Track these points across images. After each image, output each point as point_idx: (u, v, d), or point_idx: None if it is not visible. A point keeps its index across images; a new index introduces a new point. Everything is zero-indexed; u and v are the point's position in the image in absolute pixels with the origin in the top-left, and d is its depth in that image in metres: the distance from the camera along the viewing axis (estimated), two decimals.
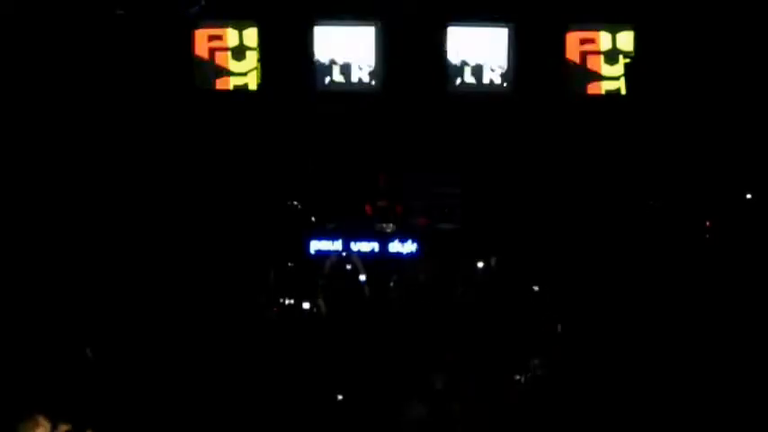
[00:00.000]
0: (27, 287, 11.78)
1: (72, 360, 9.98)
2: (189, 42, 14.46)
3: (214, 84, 14.52)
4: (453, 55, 14.47)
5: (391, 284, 14.20)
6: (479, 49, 14.43)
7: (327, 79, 14.59)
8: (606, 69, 14.32)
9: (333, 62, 14.57)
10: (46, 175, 13.74)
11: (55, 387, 8.83)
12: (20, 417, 6.46)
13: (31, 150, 13.75)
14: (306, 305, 13.66)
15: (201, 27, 14.45)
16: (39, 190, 13.61)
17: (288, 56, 14.45)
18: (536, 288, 13.48)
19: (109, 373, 10.01)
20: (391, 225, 14.88)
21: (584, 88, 14.37)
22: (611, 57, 14.26)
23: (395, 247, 14.77)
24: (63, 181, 13.81)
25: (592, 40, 14.21)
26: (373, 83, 14.57)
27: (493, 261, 14.54)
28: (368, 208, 15.21)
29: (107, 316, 11.50)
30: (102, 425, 7.07)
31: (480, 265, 15.19)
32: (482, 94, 14.48)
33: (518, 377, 10.89)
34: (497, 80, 14.35)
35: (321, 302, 13.57)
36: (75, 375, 9.57)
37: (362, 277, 13.97)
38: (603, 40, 14.23)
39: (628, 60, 14.16)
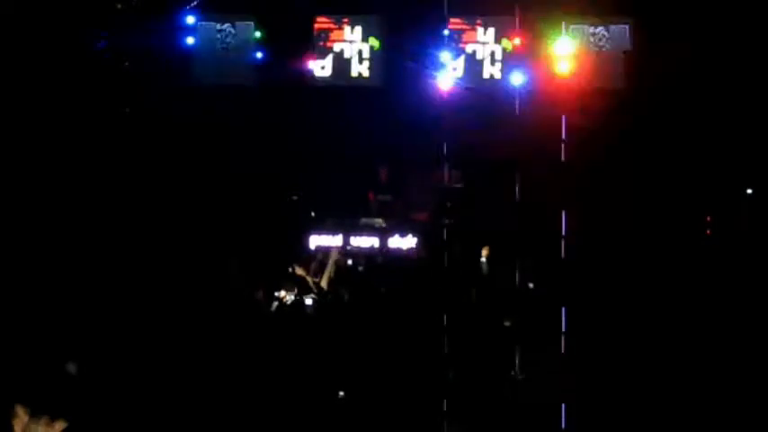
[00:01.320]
0: (18, 284, 11.84)
1: (59, 356, 10.01)
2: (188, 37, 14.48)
3: (213, 79, 14.53)
4: (454, 49, 14.46)
5: (389, 279, 14.24)
6: (479, 44, 14.43)
7: (327, 74, 14.58)
8: (605, 64, 14.30)
9: (333, 56, 14.57)
10: (45, 171, 13.81)
11: (36, 380, 8.86)
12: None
13: (31, 147, 13.81)
14: (308, 301, 13.68)
15: (201, 22, 14.45)
16: (38, 186, 13.68)
17: (287, 50, 14.46)
18: (531, 285, 13.52)
19: (99, 369, 10.05)
20: (379, 220, 14.93)
21: (584, 82, 14.34)
22: (610, 52, 14.24)
23: (395, 242, 14.79)
24: (62, 176, 13.87)
25: (591, 35, 14.20)
26: (373, 77, 14.57)
27: (485, 252, 14.55)
28: (371, 196, 15.34)
29: (101, 311, 11.55)
30: (84, 420, 7.08)
31: (483, 260, 15.19)
32: (482, 89, 14.48)
33: (513, 373, 10.92)
34: (497, 75, 14.35)
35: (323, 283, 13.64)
36: (59, 370, 9.60)
37: (360, 268, 14.04)
38: (601, 34, 14.21)
39: (626, 55, 14.15)
